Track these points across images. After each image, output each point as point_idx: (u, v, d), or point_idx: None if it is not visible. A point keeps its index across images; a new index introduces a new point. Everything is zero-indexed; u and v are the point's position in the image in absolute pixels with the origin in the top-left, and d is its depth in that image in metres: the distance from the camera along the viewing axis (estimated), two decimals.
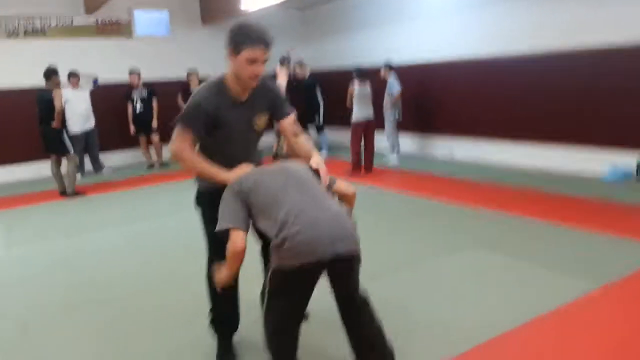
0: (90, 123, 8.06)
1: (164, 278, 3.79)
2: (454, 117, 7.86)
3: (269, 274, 2.04)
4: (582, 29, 5.97)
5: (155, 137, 8.57)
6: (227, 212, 2.10)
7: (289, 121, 2.52)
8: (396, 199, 5.74)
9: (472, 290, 3.21)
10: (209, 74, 8.73)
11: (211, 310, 2.63)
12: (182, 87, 8.64)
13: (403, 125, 7.90)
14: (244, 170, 2.27)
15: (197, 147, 2.38)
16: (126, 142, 8.97)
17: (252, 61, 2.17)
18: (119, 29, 9.02)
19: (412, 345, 2.55)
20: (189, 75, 8.65)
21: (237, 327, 2.65)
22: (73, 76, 7.81)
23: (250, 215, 2.12)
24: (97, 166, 8.34)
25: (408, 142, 8.45)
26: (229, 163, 2.32)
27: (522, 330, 2.66)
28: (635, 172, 5.62)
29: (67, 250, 4.62)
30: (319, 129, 8.90)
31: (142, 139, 8.60)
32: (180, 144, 2.27)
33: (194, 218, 2.62)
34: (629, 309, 2.86)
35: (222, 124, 2.30)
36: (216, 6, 9.44)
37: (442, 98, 7.99)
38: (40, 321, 3.18)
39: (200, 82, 8.31)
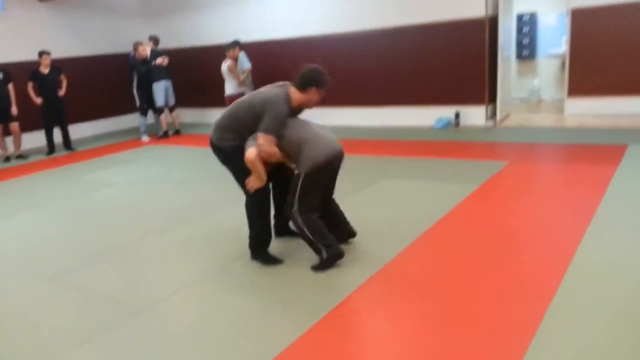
0: None
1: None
2: None
3: (301, 182, 3.23)
4: (411, 8, 7.76)
5: (15, 126, 7.97)
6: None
7: None
8: None
9: (402, 201, 4.61)
10: (55, 56, 8.55)
11: (254, 235, 3.53)
12: (33, 71, 8.12)
13: None
14: None
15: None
16: None
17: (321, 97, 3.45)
18: None
19: (373, 241, 3.72)
20: (41, 56, 8.13)
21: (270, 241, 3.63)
22: None
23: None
24: None
25: None
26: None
27: (450, 215, 4.15)
28: (453, 121, 7.78)
29: None
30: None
31: None
32: (271, 145, 3.23)
33: (66, 209, 4.11)
34: (496, 197, 4.62)
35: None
36: None
37: (291, 72, 9.20)
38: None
39: (52, 63, 8.16)
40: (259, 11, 9.29)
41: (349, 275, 3.24)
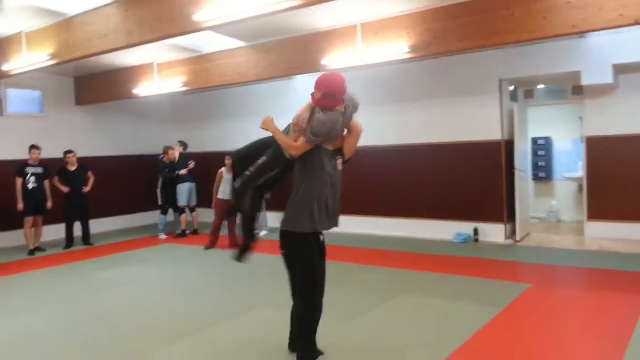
0: None
1: None
2: None
3: None
4: (432, 129, 8.12)
5: (40, 219, 8.16)
6: None
7: None
8: None
9: (421, 323, 4.45)
10: (86, 154, 8.93)
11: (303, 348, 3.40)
12: (60, 168, 8.48)
13: (273, 203, 8.70)
14: None
15: None
16: None
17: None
18: None
19: None
20: (66, 155, 8.53)
21: None
22: None
23: None
24: None
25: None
26: None
27: (471, 342, 3.97)
28: (472, 237, 7.75)
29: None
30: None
31: (28, 220, 7.99)
32: None
33: (72, 311, 4.22)
34: (521, 324, 4.44)
35: None
36: (92, 89, 9.69)
37: None
38: None
39: (79, 162, 8.49)
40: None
41: None
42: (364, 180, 8.82)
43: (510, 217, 7.74)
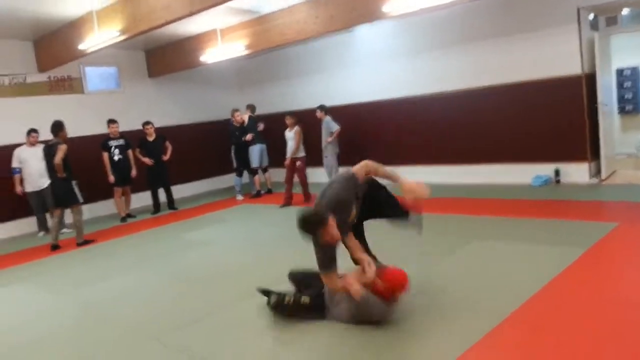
0: (44, 181, 7.51)
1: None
2: (391, 149, 9.09)
3: None
4: (505, 69, 7.70)
5: (128, 188, 8.77)
6: None
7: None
8: None
9: (497, 266, 4.36)
10: (162, 124, 9.35)
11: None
12: (140, 139, 8.99)
13: (342, 158, 8.78)
14: None
15: None
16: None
17: None
18: (71, 85, 9.16)
19: (464, 315, 3.52)
20: (144, 126, 9.03)
21: None
22: (33, 132, 7.86)
23: None
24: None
25: None
26: None
27: (554, 284, 3.85)
28: (553, 179, 7.40)
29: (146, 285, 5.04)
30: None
31: (118, 190, 8.63)
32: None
33: (167, 268, 4.74)
34: (608, 263, 4.25)
35: None
36: (162, 61, 10.05)
37: (378, 133, 9.34)
38: None
39: (156, 132, 8.97)
40: (341, 79, 9.70)
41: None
42: (439, 127, 8.59)
43: (595, 155, 7.29)
